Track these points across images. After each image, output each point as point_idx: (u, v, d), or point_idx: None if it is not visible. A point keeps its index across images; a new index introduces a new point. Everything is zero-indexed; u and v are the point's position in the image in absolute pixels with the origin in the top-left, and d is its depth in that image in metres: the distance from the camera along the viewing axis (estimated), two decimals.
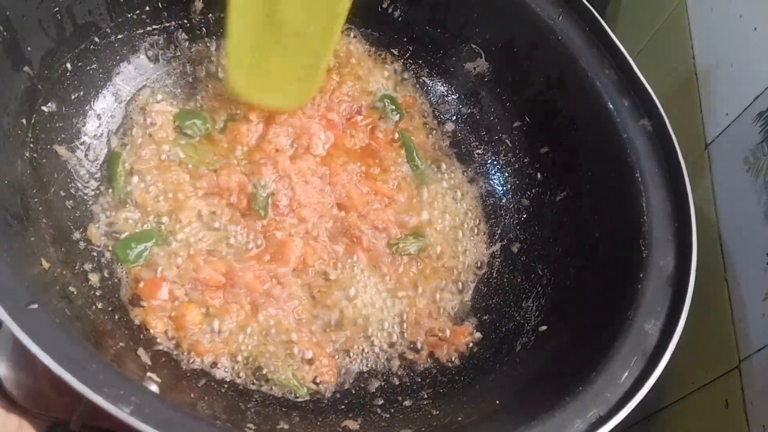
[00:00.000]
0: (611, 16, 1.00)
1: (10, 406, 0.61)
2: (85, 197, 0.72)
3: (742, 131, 0.67)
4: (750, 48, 0.69)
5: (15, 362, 0.62)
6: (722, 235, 0.69)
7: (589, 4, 0.79)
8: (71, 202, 0.70)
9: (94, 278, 0.66)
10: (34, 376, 0.61)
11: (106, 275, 0.68)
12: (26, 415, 0.62)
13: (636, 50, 0.92)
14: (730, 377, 0.63)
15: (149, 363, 0.62)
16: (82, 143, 0.74)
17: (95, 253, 0.68)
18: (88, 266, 0.67)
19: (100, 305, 0.64)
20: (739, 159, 0.67)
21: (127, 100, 0.79)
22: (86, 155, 0.74)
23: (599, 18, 0.79)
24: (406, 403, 0.69)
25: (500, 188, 0.88)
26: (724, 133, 0.71)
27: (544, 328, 0.72)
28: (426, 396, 0.70)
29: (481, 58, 0.89)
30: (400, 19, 0.90)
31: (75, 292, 0.61)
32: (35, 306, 0.49)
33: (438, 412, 0.66)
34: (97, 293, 0.65)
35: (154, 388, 0.55)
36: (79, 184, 0.72)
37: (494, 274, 0.82)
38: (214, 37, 0.85)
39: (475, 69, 0.90)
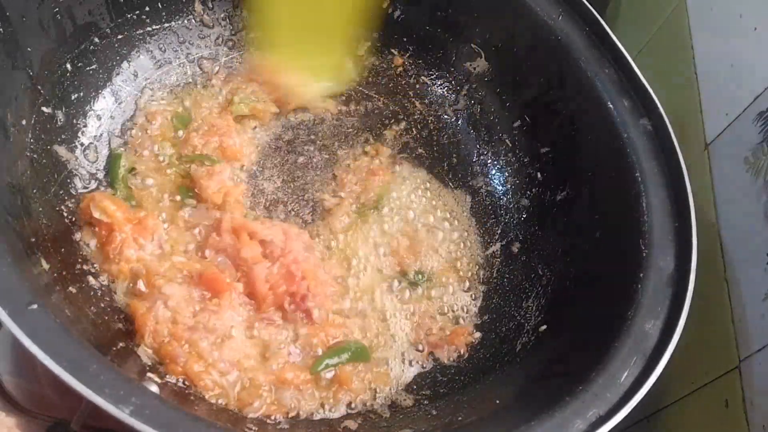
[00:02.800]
0: (611, 16, 1.00)
1: (10, 406, 0.61)
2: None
3: (742, 131, 0.67)
4: (750, 48, 0.69)
5: (15, 363, 0.62)
6: (722, 235, 0.68)
7: (589, 4, 0.79)
8: (72, 202, 0.70)
9: (93, 279, 0.66)
10: (34, 377, 0.61)
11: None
12: (26, 416, 0.62)
13: (636, 50, 0.91)
14: (730, 377, 0.62)
15: (149, 364, 0.62)
16: (82, 144, 0.74)
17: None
18: (87, 267, 0.67)
19: (101, 305, 0.64)
20: (739, 159, 0.67)
21: (127, 101, 0.79)
22: (86, 156, 0.74)
23: (599, 18, 0.79)
24: (406, 402, 0.69)
25: (500, 188, 0.88)
26: (724, 133, 0.71)
27: (544, 327, 0.72)
28: (426, 396, 0.70)
29: (481, 58, 0.89)
30: (400, 19, 0.90)
31: (75, 293, 0.61)
32: (35, 306, 0.49)
33: (438, 412, 0.66)
34: (98, 294, 0.65)
35: (154, 388, 0.54)
36: (79, 185, 0.72)
37: (494, 274, 0.82)
38: (214, 37, 0.86)
39: (475, 69, 0.90)
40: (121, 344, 0.61)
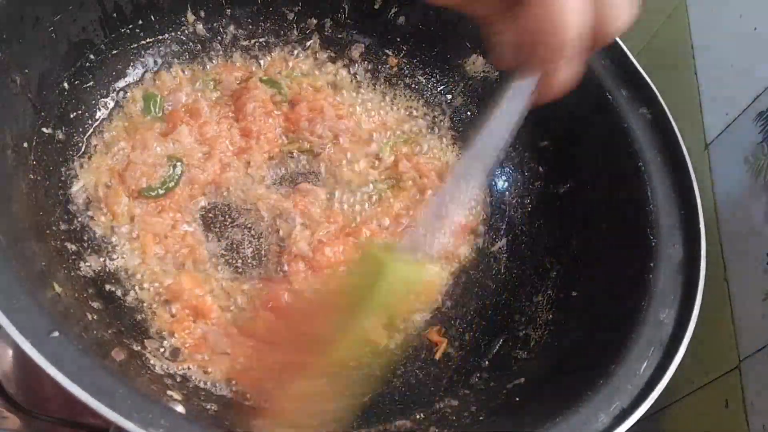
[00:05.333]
0: None
1: (9, 406, 0.61)
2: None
3: (742, 131, 0.67)
4: (750, 48, 0.69)
5: (15, 362, 0.62)
6: (722, 235, 0.69)
7: None
8: (77, 222, 0.69)
9: (100, 303, 0.65)
10: (33, 376, 0.62)
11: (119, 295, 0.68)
12: (27, 416, 0.62)
13: (636, 50, 0.90)
14: (730, 377, 0.63)
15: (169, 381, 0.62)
16: (82, 163, 0.73)
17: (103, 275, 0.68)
18: (94, 290, 0.66)
19: (118, 325, 0.64)
20: (739, 159, 0.67)
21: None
22: (87, 174, 0.73)
23: None
24: (425, 403, 0.69)
25: (502, 183, 0.87)
26: (724, 133, 0.71)
27: (557, 321, 0.72)
28: (443, 396, 0.69)
29: (476, 54, 0.88)
30: (392, 18, 0.89)
31: (89, 316, 0.61)
32: (56, 334, 0.48)
33: (457, 411, 0.66)
34: (111, 314, 0.65)
35: (180, 409, 0.55)
36: (82, 205, 0.71)
37: (502, 270, 0.82)
38: (208, 49, 0.85)
39: (470, 66, 0.89)
40: (138, 362, 0.62)
